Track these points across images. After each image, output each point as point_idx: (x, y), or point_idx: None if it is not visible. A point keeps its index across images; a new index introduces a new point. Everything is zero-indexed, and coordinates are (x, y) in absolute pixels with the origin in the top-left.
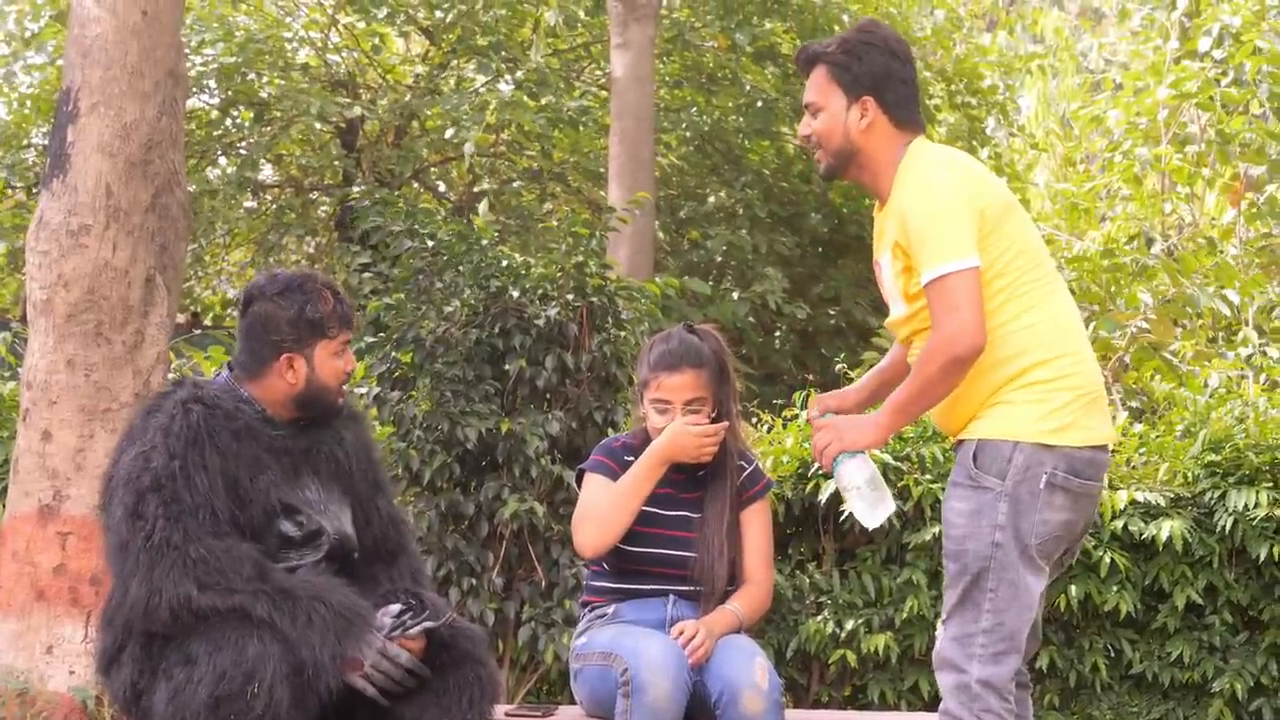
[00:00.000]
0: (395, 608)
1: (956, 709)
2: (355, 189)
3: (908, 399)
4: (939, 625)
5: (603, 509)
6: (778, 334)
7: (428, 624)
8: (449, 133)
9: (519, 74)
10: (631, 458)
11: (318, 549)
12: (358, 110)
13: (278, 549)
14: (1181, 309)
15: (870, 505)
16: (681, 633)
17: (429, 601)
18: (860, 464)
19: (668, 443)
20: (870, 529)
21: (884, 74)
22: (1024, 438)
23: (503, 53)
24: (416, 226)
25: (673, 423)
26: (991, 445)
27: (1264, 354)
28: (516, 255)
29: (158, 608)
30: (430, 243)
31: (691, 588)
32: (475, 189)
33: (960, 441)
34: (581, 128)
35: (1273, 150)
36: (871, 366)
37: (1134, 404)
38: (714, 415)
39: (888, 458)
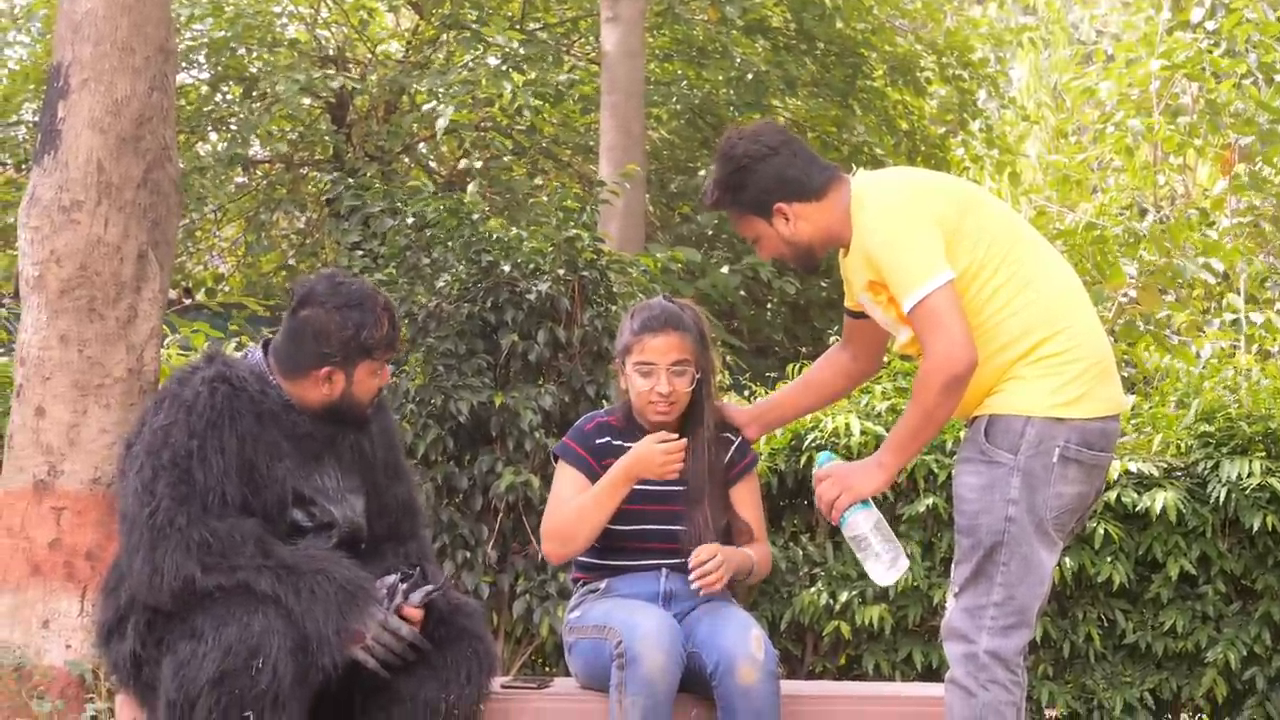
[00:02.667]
0: (392, 579)
1: (963, 678)
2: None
3: (911, 431)
4: (949, 597)
5: (567, 523)
6: (769, 306)
7: (428, 590)
8: (427, 107)
9: (509, 47)
10: (605, 439)
11: (328, 540)
12: (343, 83)
13: (287, 536)
14: (1169, 279)
15: (885, 564)
16: (699, 555)
17: (427, 572)
18: (865, 515)
19: (634, 460)
20: (884, 586)
21: (768, 179)
22: (1036, 412)
23: (489, 25)
24: (398, 204)
25: (639, 442)
26: (1003, 420)
27: (1250, 321)
28: (511, 229)
29: (160, 587)
30: (411, 219)
31: (683, 560)
32: (464, 164)
33: (973, 419)
34: (570, 101)
35: (1263, 119)
36: None
37: (1124, 375)
38: (697, 379)
39: (881, 429)
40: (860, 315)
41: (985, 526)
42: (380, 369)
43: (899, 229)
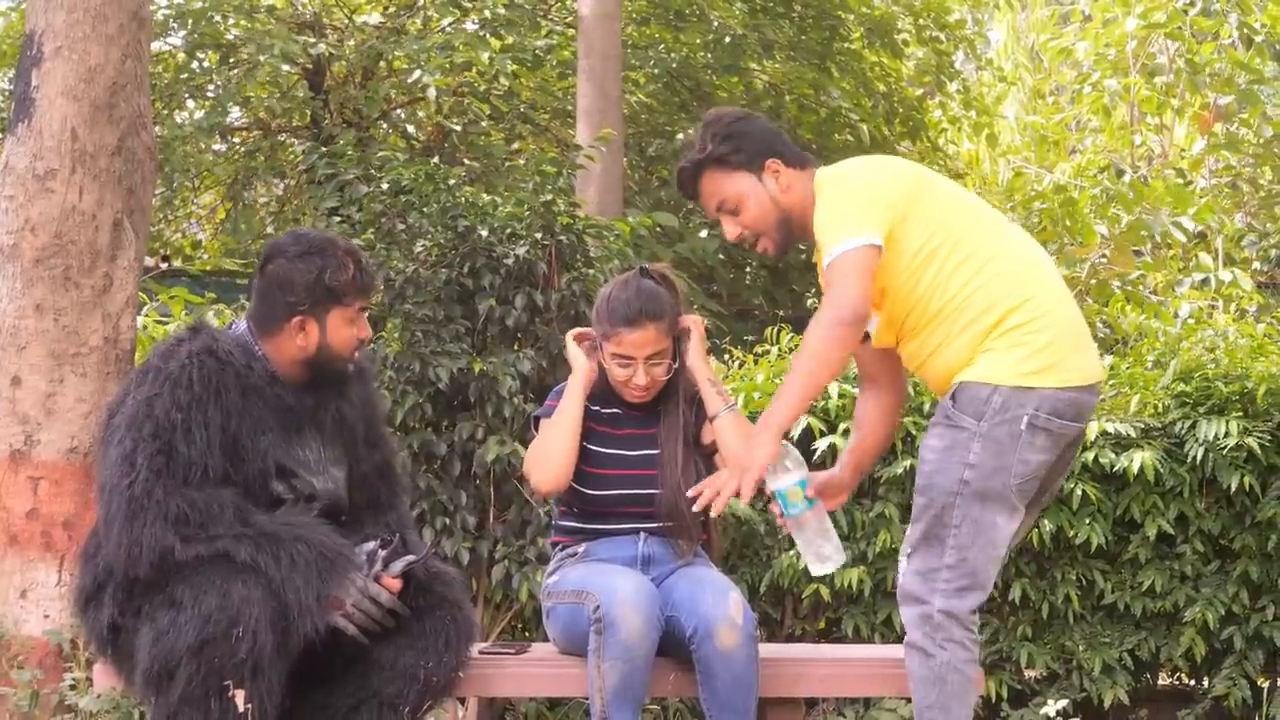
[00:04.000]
0: (371, 545)
1: (921, 640)
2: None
3: (795, 384)
4: (901, 557)
5: (544, 447)
6: (748, 270)
7: (409, 560)
8: (414, 76)
9: (486, 12)
10: (588, 403)
11: (308, 511)
12: (322, 48)
13: (268, 509)
14: (1139, 236)
15: (821, 557)
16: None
17: (407, 541)
18: (815, 512)
19: (575, 364)
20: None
21: (764, 132)
22: (1004, 381)
23: None
24: (371, 171)
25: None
26: (971, 387)
27: (1220, 280)
28: (484, 195)
29: (139, 559)
30: (387, 185)
31: (659, 524)
32: (442, 130)
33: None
34: (547, 66)
35: (1242, 80)
36: None
37: (1099, 336)
38: (674, 365)
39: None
40: (864, 339)
41: (938, 487)
42: (356, 318)
43: (838, 198)
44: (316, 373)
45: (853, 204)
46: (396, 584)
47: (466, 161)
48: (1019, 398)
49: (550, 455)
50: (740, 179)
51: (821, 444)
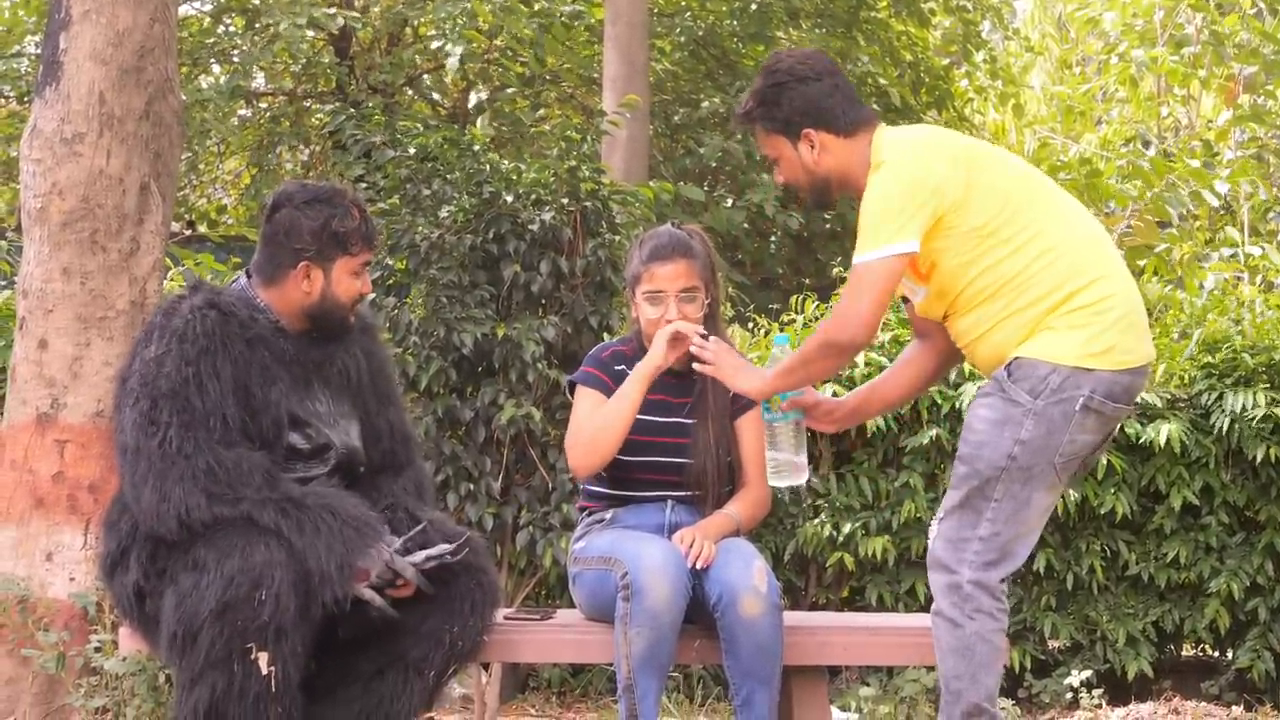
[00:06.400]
0: (397, 541)
1: (949, 609)
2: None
3: (789, 366)
4: (934, 522)
5: (593, 430)
6: (773, 240)
7: (429, 554)
8: (434, 45)
9: None
10: (622, 366)
11: (325, 462)
12: (343, 19)
13: (285, 461)
14: (1162, 208)
15: (785, 468)
16: (682, 540)
17: (434, 523)
18: (791, 427)
19: (652, 352)
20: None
21: (806, 101)
22: (1065, 360)
23: None
24: (398, 135)
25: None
26: (1029, 363)
27: (1249, 254)
28: (507, 161)
29: (167, 515)
30: (412, 150)
31: (688, 493)
32: (469, 96)
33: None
34: (574, 32)
35: (1268, 51)
36: None
37: None
38: (707, 306)
39: (884, 359)
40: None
41: (986, 459)
42: (360, 271)
43: (885, 191)
44: (318, 324)
45: (896, 201)
46: (408, 591)
47: (493, 127)
48: (1077, 379)
49: (600, 443)
50: (778, 142)
51: None
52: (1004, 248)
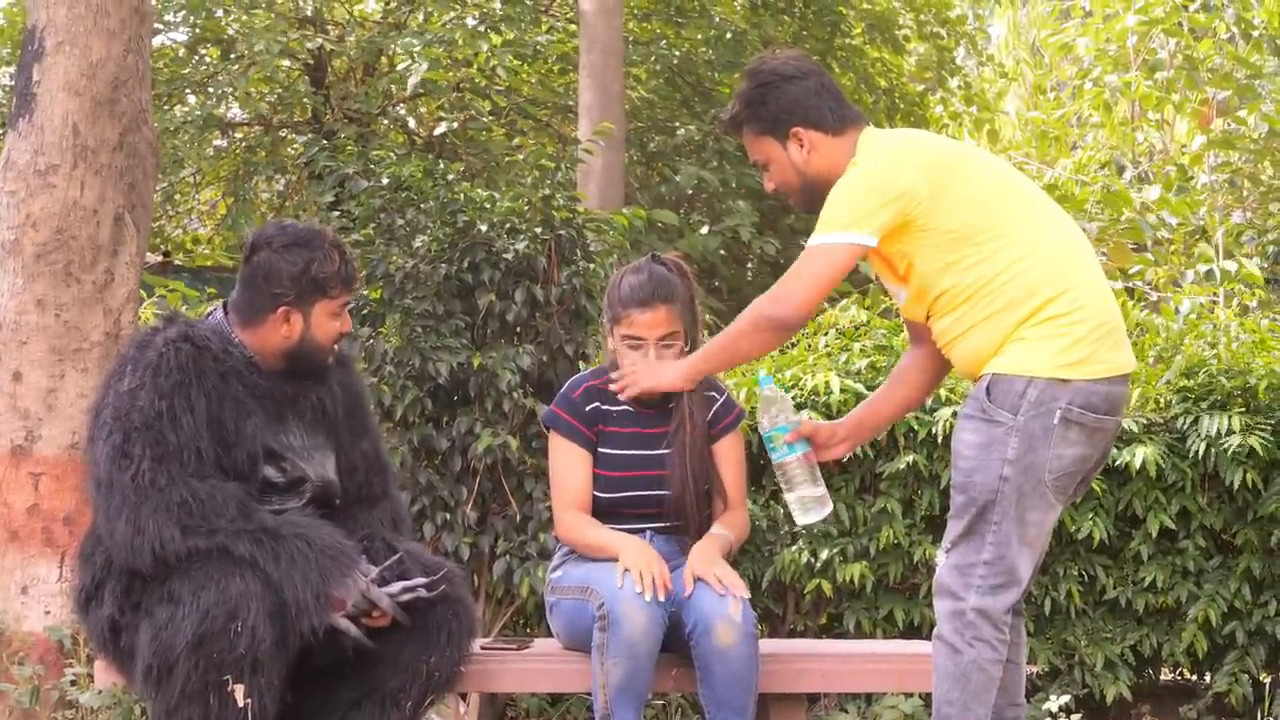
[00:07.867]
0: (373, 570)
1: (950, 635)
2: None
3: (716, 347)
4: (939, 554)
5: (583, 541)
6: (749, 265)
7: (406, 585)
8: (402, 67)
9: (487, 6)
10: (595, 404)
11: (300, 495)
12: (320, 43)
13: (260, 494)
14: (1137, 231)
15: (806, 505)
16: (704, 579)
17: (410, 554)
18: (801, 457)
19: (628, 550)
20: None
21: (792, 99)
22: (1039, 373)
23: None
24: (371, 165)
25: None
26: (1005, 380)
27: (1225, 271)
28: (481, 190)
29: (141, 548)
30: (385, 180)
31: (668, 524)
32: (441, 125)
33: (978, 377)
34: (548, 61)
35: (1241, 75)
36: (842, 303)
37: None
38: (686, 349)
39: (861, 387)
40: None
41: (980, 485)
42: (339, 311)
43: (855, 181)
44: (297, 364)
45: (863, 193)
46: (384, 621)
47: (465, 158)
48: (1053, 390)
49: (583, 547)
50: (766, 143)
51: None
52: (976, 253)
